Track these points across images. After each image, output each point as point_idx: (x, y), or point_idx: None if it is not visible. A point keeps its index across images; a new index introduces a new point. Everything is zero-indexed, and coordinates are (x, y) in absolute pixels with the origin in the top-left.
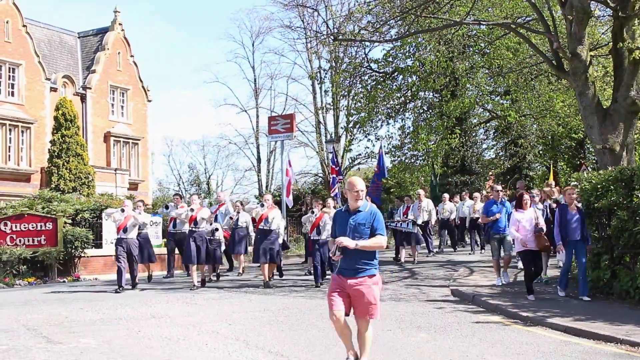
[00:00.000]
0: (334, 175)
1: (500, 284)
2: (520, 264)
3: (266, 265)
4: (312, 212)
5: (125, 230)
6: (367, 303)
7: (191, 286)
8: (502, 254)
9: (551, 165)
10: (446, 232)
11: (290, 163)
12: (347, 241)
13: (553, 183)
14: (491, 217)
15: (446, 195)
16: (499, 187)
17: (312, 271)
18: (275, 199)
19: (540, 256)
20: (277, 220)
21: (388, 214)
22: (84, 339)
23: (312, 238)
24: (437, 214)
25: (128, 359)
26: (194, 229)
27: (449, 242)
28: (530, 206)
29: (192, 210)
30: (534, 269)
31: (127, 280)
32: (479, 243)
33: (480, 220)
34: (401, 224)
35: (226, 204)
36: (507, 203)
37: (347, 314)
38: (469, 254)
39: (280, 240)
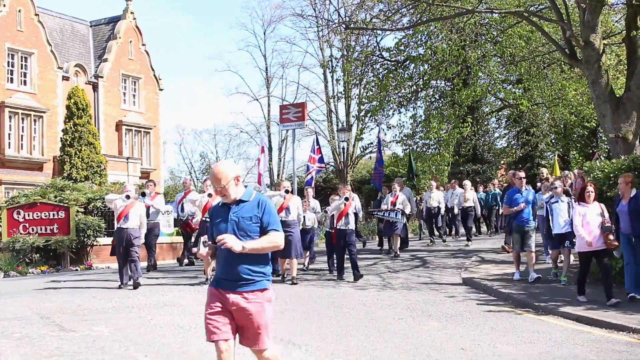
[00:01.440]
0: (310, 164)
1: (518, 278)
2: (548, 259)
3: (295, 261)
4: (344, 199)
5: (126, 219)
6: (255, 328)
7: (203, 280)
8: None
9: (555, 157)
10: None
11: (263, 149)
12: (232, 241)
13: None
14: (515, 208)
15: (433, 183)
16: (522, 174)
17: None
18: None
19: (609, 255)
20: (300, 210)
21: (375, 203)
22: (97, 327)
23: (339, 228)
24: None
25: (140, 347)
26: (207, 219)
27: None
28: (593, 200)
29: (209, 195)
30: (602, 269)
31: (141, 270)
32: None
33: (502, 210)
34: (389, 213)
35: None
36: (532, 192)
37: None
38: (444, 241)
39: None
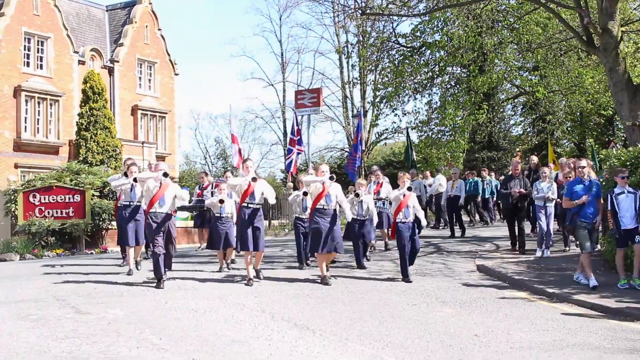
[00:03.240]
0: (291, 147)
1: (593, 285)
2: (539, 252)
3: (325, 257)
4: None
5: (162, 202)
6: None
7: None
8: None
9: (549, 142)
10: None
11: (234, 139)
12: None
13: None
14: (577, 201)
15: (414, 172)
16: (584, 162)
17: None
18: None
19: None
20: (340, 197)
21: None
22: (112, 310)
23: (399, 221)
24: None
25: (155, 330)
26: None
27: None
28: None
29: (253, 180)
30: None
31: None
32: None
33: (563, 204)
34: (375, 203)
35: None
36: (597, 183)
37: None
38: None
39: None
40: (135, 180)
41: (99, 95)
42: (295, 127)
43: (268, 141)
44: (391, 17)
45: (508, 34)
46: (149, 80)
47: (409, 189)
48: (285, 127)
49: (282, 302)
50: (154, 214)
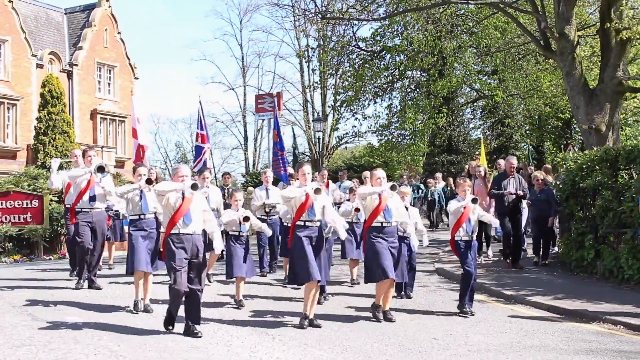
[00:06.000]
0: (200, 144)
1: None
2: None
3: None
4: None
5: (187, 219)
6: None
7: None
8: None
9: (482, 142)
10: None
11: (138, 120)
12: None
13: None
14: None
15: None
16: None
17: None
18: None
19: None
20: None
21: None
22: (70, 317)
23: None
24: None
25: (114, 337)
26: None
27: None
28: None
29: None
30: None
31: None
32: None
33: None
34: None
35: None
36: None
37: None
38: None
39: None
40: (149, 182)
41: (57, 99)
42: (202, 122)
43: (229, 145)
44: (351, 21)
45: (467, 38)
46: (109, 84)
47: (474, 200)
48: (246, 131)
49: (242, 308)
50: (177, 237)
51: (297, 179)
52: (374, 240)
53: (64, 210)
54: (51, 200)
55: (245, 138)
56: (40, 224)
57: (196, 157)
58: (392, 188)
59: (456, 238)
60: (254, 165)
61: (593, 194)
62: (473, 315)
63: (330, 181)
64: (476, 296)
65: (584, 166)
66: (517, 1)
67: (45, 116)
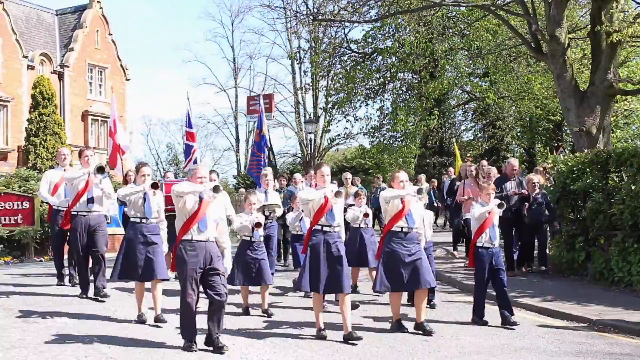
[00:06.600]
0: (189, 142)
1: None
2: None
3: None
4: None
5: (203, 226)
6: None
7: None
8: None
9: (455, 144)
10: None
11: (114, 122)
12: None
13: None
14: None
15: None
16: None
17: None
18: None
19: None
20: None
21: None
22: (60, 318)
23: None
24: None
25: (104, 339)
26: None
27: None
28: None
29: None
30: None
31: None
32: None
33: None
34: None
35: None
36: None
37: None
38: None
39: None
40: (154, 186)
41: (48, 100)
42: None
43: (221, 147)
44: (343, 23)
45: (458, 41)
46: (100, 85)
47: (500, 205)
48: (237, 132)
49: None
50: (189, 244)
51: (300, 181)
52: (394, 247)
53: (49, 211)
54: (42, 201)
55: (237, 140)
56: (31, 226)
57: (186, 157)
58: (419, 192)
59: (477, 244)
60: (245, 166)
61: (584, 196)
62: (518, 324)
63: None
64: (467, 298)
65: (575, 168)
66: (509, 4)
67: (36, 117)
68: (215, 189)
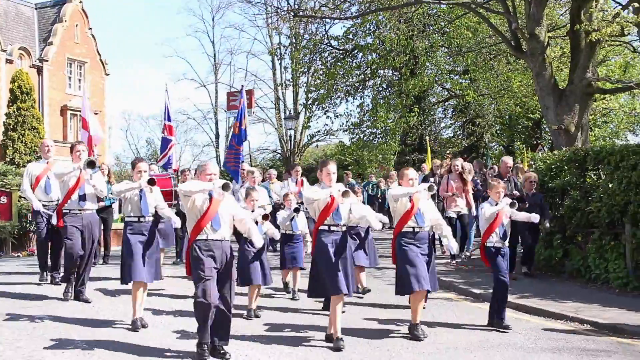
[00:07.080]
0: (167, 136)
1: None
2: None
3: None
4: None
5: (216, 224)
6: None
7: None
8: None
9: (428, 141)
10: None
11: (86, 117)
12: None
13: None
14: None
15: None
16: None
17: None
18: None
19: None
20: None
21: None
22: (38, 315)
23: None
24: None
25: (83, 336)
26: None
27: None
28: None
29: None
30: None
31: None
32: None
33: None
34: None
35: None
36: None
37: None
38: None
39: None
40: (151, 182)
41: (27, 95)
42: (167, 112)
43: (200, 142)
44: (324, 19)
45: (439, 38)
46: (79, 80)
47: (512, 204)
48: (217, 128)
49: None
50: (204, 243)
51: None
52: (406, 247)
53: (31, 208)
54: (20, 196)
55: (217, 135)
56: (9, 221)
57: (162, 151)
58: (430, 189)
59: (488, 244)
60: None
61: (562, 193)
62: (510, 329)
63: (304, 179)
64: (444, 294)
65: (553, 166)
66: (489, 2)
67: (14, 112)
68: (225, 187)
